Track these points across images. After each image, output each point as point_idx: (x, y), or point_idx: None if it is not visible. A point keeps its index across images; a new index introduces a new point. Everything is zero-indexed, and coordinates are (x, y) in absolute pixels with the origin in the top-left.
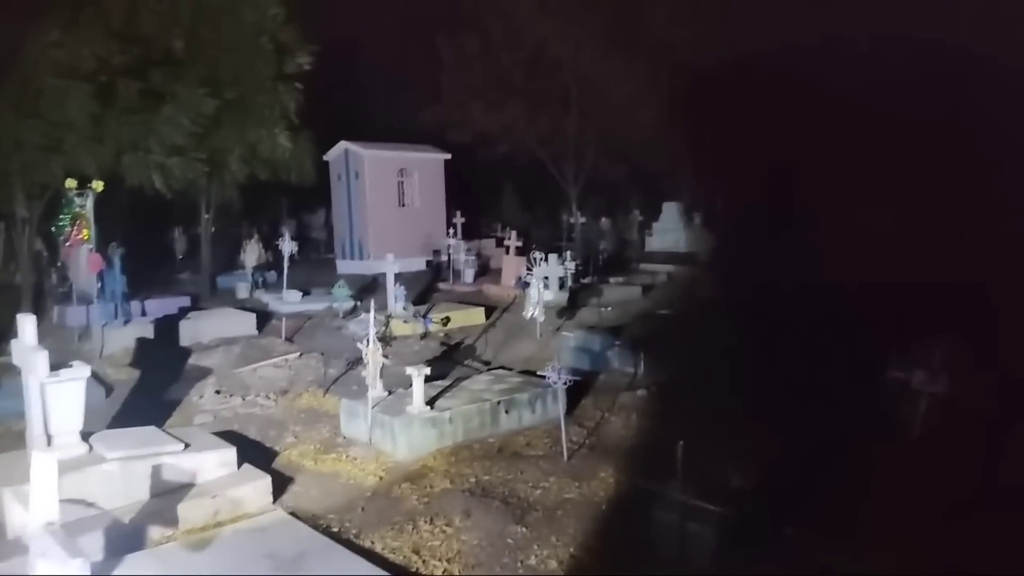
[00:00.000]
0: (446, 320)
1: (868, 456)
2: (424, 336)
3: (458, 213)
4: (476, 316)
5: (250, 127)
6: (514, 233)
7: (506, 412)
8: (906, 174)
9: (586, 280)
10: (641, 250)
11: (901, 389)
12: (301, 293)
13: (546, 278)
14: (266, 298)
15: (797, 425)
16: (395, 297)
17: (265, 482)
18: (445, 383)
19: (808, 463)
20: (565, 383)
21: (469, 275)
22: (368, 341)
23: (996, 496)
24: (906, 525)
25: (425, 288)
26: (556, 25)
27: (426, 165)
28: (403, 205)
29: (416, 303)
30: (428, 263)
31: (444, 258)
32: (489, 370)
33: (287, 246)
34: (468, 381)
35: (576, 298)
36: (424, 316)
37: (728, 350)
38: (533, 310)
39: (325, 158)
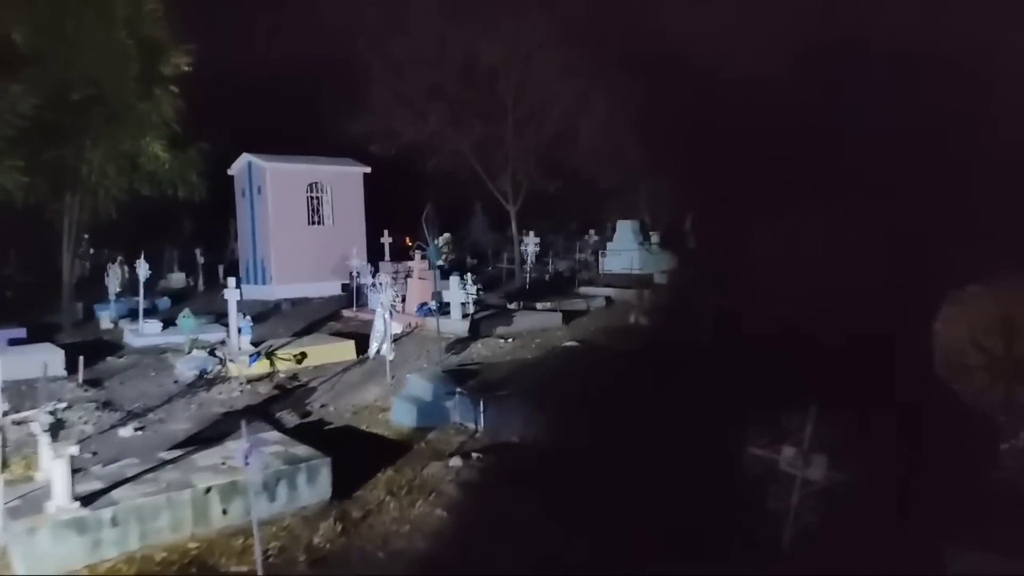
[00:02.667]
0: (300, 357)
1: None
2: (254, 381)
3: (385, 232)
4: (343, 351)
5: (125, 136)
6: (419, 255)
7: (223, 512)
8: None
9: (512, 305)
10: (596, 271)
11: (766, 470)
12: (162, 324)
13: (441, 305)
14: (128, 329)
15: (634, 523)
16: (238, 330)
17: None
18: (161, 456)
19: None
20: (262, 466)
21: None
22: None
23: None
24: None
25: (327, 316)
26: (490, 28)
27: (341, 179)
28: (315, 223)
29: (304, 333)
30: (344, 287)
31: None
32: (249, 433)
33: (142, 270)
34: (203, 453)
35: (478, 327)
36: (254, 355)
37: (594, 402)
38: (378, 346)
39: (229, 172)
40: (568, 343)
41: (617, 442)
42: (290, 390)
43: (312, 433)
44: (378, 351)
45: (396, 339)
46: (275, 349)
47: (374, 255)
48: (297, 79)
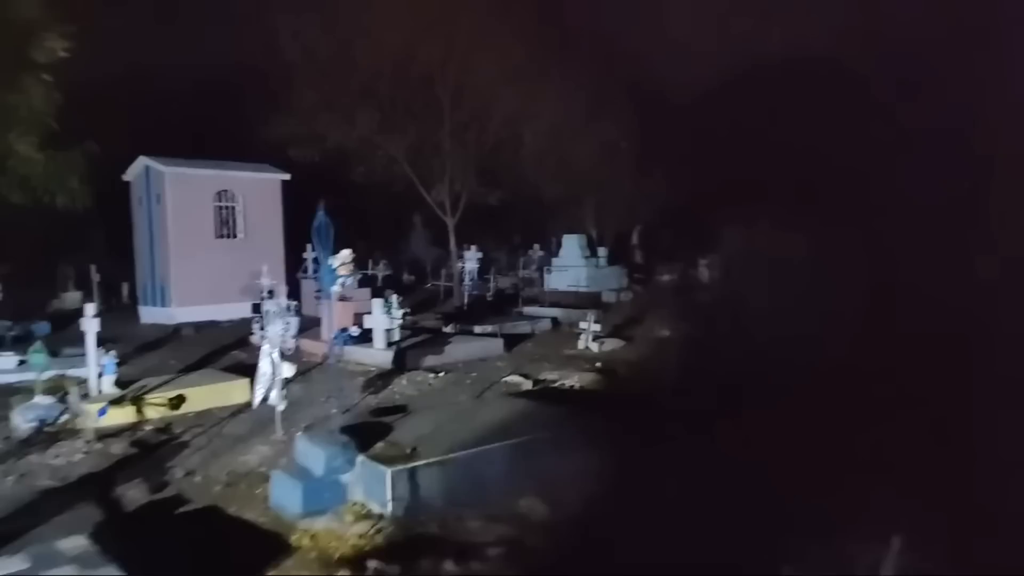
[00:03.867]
0: (176, 402)
1: None
2: (109, 436)
3: (346, 252)
4: (233, 393)
5: None
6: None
7: None
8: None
9: (448, 329)
10: (541, 289)
11: None
12: (18, 359)
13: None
14: None
15: None
16: (99, 369)
17: None
18: None
19: None
20: None
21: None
22: None
23: None
24: None
25: (232, 344)
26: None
27: (256, 187)
28: (224, 237)
29: (200, 365)
30: (257, 308)
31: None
32: None
33: None
34: None
35: (405, 358)
36: (103, 407)
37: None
38: (264, 393)
39: (125, 177)
40: (510, 377)
41: (587, 547)
42: (152, 448)
43: (159, 520)
44: (264, 399)
45: (288, 383)
46: (146, 391)
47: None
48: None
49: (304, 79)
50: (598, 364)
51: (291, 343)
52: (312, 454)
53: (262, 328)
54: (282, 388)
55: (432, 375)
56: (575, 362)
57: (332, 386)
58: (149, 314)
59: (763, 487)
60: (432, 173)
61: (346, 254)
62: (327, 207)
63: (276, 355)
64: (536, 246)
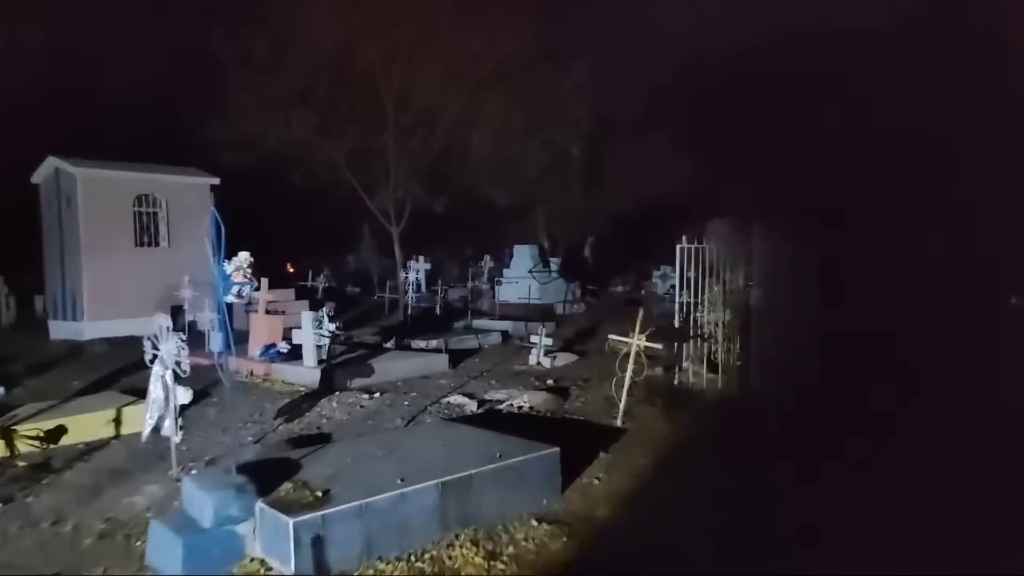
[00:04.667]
0: (54, 433)
1: None
2: None
3: (244, 256)
4: (130, 419)
5: None
6: (265, 281)
7: None
8: None
9: (389, 344)
10: (492, 301)
11: None
12: None
13: (291, 346)
14: None
15: None
16: None
17: None
18: None
19: None
20: None
21: (216, 341)
22: None
23: None
24: None
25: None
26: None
27: (181, 192)
28: (145, 245)
29: (105, 386)
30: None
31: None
32: None
33: None
34: None
35: (335, 377)
36: None
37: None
38: (153, 423)
39: (34, 180)
40: (453, 397)
41: None
42: (25, 487)
43: None
44: (156, 429)
45: (184, 410)
46: (18, 421)
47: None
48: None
49: (239, 79)
50: (550, 381)
51: (186, 363)
52: (199, 500)
53: (155, 346)
54: (176, 416)
55: (366, 396)
56: (525, 379)
57: (254, 409)
58: (59, 329)
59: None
60: (375, 179)
61: (242, 258)
62: (217, 204)
63: (169, 377)
64: (487, 256)
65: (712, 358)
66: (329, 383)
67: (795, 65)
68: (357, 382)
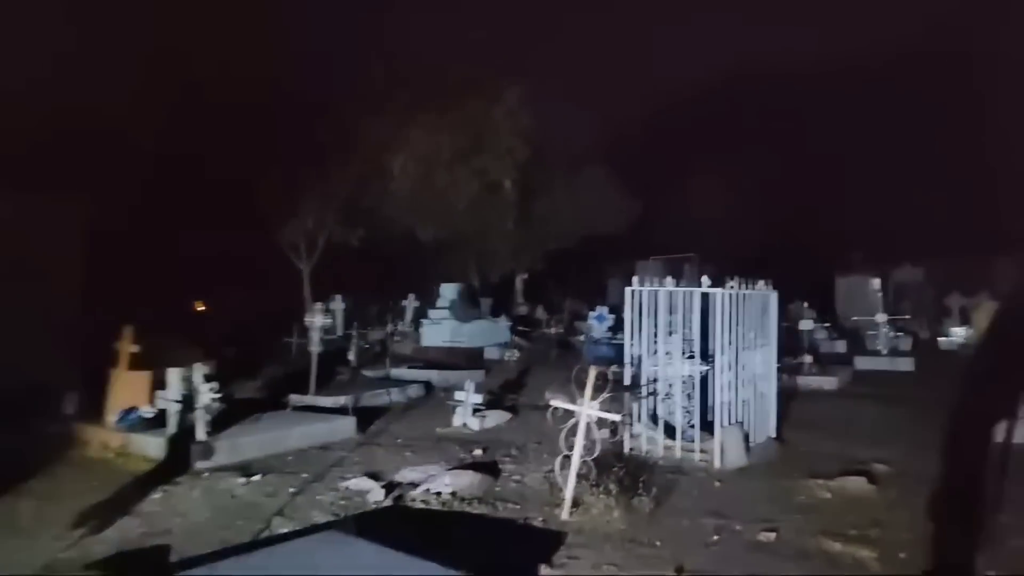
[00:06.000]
0: None
1: None
2: None
3: None
4: None
5: None
6: (129, 330)
7: None
8: None
9: (292, 398)
10: (416, 345)
11: None
12: None
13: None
14: None
15: None
16: None
17: None
18: None
19: None
20: None
21: (69, 402)
22: None
23: None
24: None
25: None
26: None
27: None
28: None
29: None
30: None
31: None
32: None
33: None
34: None
35: (205, 451)
36: None
37: None
38: None
39: None
40: (353, 482)
41: None
42: None
43: None
44: None
45: None
46: None
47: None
48: None
49: None
50: (477, 452)
51: None
52: None
53: None
54: None
55: (242, 479)
56: (448, 448)
57: (90, 497)
58: None
59: None
60: (282, 208)
61: None
62: None
63: None
64: (412, 296)
65: (670, 421)
66: (197, 458)
67: (734, 108)
68: (234, 456)
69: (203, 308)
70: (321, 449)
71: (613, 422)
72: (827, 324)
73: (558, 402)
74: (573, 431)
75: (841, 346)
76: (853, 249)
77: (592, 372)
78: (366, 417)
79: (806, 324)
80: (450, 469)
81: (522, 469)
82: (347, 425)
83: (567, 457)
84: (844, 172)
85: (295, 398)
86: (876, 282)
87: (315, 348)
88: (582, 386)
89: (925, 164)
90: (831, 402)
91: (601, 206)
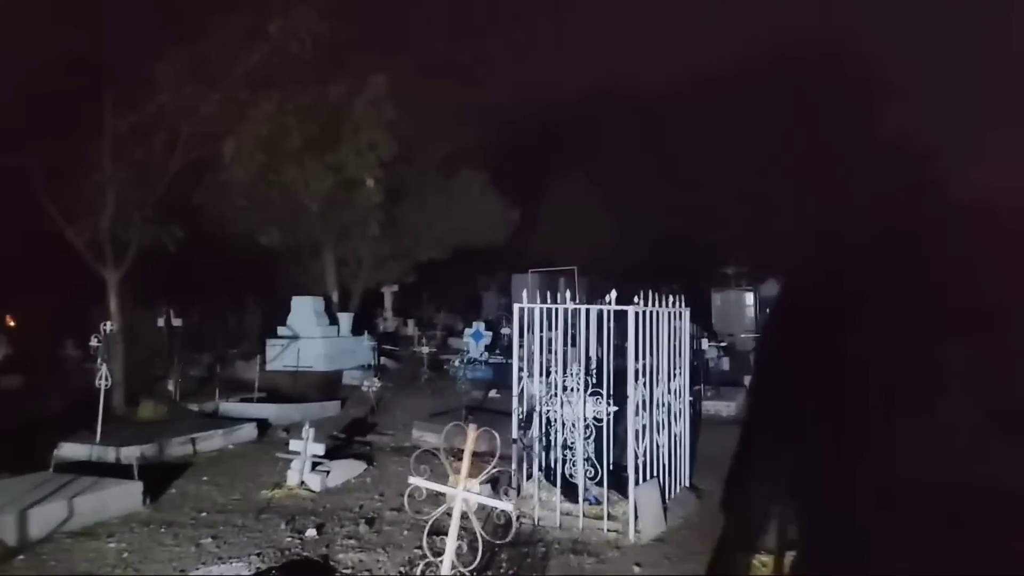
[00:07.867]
0: None
1: None
2: None
3: None
4: None
5: None
6: None
7: None
8: None
9: (62, 451)
10: (260, 370)
11: None
12: None
13: None
14: None
15: None
16: None
17: None
18: None
19: None
20: None
21: None
22: None
23: None
24: None
25: None
26: None
27: None
28: None
29: None
30: None
31: None
32: None
33: None
34: None
35: None
36: None
37: None
38: None
39: None
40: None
41: None
42: None
43: None
44: None
45: None
46: None
47: None
48: None
49: None
50: (311, 531)
51: None
52: None
53: None
54: None
55: None
56: (271, 527)
57: None
58: None
59: None
60: (82, 202)
61: None
62: None
63: None
64: (256, 311)
65: (569, 477)
66: None
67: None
68: None
69: (13, 323)
70: (83, 536)
71: (503, 512)
72: (722, 343)
73: (420, 481)
74: (447, 517)
75: (726, 363)
76: (726, 263)
77: (471, 433)
78: (166, 476)
79: (706, 345)
80: None
81: (373, 558)
82: (129, 495)
83: (430, 565)
84: (716, 185)
85: (68, 450)
86: (749, 296)
87: (103, 382)
88: (456, 454)
89: (786, 174)
90: (732, 432)
91: (478, 214)
